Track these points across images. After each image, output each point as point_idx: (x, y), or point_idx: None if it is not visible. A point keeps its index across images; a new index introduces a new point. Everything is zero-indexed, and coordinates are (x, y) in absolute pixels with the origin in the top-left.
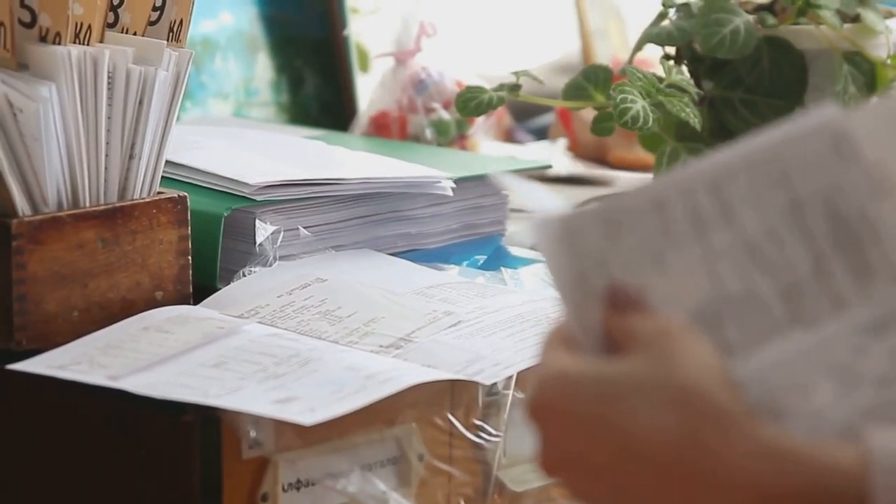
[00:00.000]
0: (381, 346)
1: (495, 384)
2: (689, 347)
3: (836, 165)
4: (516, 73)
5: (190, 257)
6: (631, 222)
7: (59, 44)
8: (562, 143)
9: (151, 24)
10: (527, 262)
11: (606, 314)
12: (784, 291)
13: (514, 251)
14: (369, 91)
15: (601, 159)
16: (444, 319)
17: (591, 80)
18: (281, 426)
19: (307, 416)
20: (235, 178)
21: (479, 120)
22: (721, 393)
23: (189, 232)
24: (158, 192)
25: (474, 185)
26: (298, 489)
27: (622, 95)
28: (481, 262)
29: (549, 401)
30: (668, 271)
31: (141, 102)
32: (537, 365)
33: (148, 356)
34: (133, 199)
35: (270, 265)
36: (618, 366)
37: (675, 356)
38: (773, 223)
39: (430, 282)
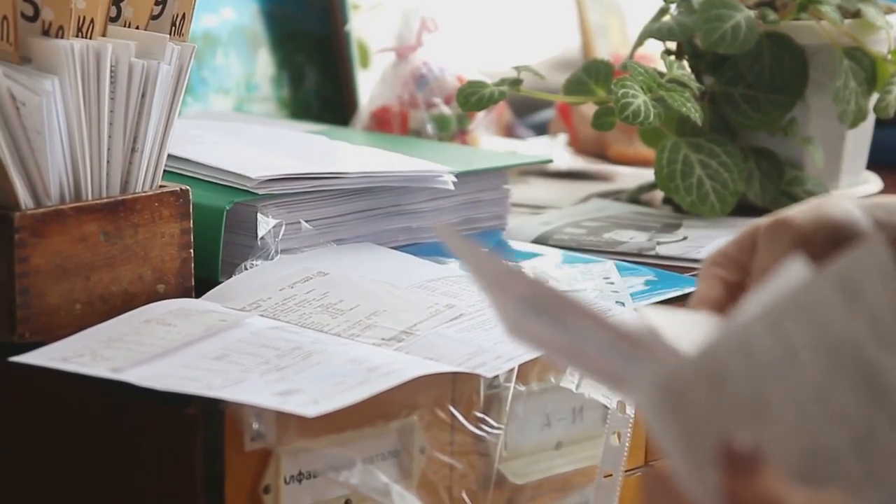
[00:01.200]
0: (382, 339)
1: (497, 377)
2: None
3: (844, 312)
4: (517, 68)
5: (192, 250)
6: (727, 370)
7: (62, 37)
8: (562, 138)
9: (154, 18)
10: (528, 255)
11: (729, 480)
12: (854, 444)
13: (515, 245)
14: (370, 86)
15: (601, 154)
16: (446, 312)
17: (592, 75)
18: (283, 418)
19: (310, 407)
20: (237, 171)
21: (480, 115)
22: None
23: (191, 225)
24: (160, 186)
25: (475, 179)
26: (300, 481)
27: (623, 90)
28: None
29: None
30: (769, 419)
31: (143, 96)
32: None
33: (150, 349)
34: (135, 193)
35: (272, 259)
36: None
37: None
38: (827, 370)
39: (432, 275)
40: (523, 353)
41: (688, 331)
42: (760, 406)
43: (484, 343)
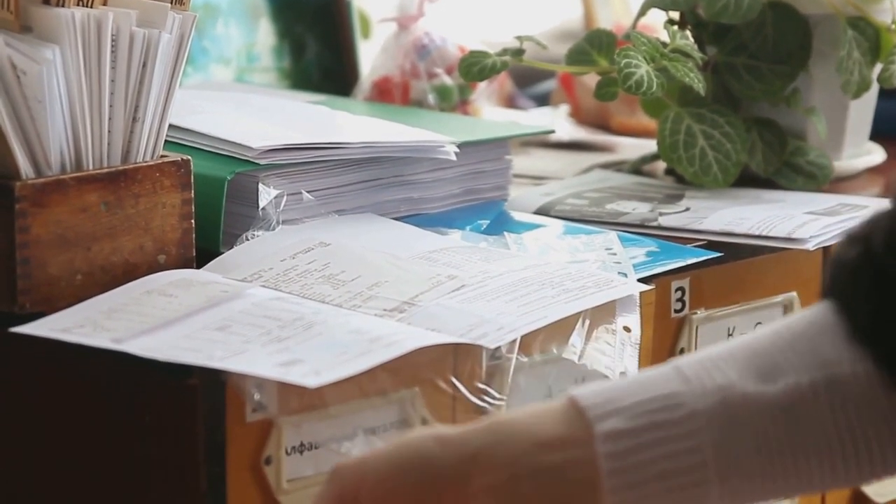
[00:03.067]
0: (384, 310)
1: (499, 348)
2: None
3: None
4: (520, 38)
5: (193, 221)
6: None
7: (63, 6)
8: (564, 108)
9: None
10: (530, 226)
11: None
12: None
13: (517, 216)
14: (371, 57)
15: (603, 125)
16: (448, 283)
17: (595, 45)
18: (285, 389)
19: (311, 378)
20: (239, 141)
21: (482, 85)
22: None
23: (192, 195)
24: (162, 156)
25: (477, 149)
26: (302, 452)
27: (626, 60)
28: (484, 226)
29: None
30: None
31: (144, 65)
32: None
33: (152, 319)
34: (136, 163)
35: (273, 229)
36: None
37: None
38: None
39: (434, 246)
40: (526, 324)
41: None
42: None
43: (486, 314)
